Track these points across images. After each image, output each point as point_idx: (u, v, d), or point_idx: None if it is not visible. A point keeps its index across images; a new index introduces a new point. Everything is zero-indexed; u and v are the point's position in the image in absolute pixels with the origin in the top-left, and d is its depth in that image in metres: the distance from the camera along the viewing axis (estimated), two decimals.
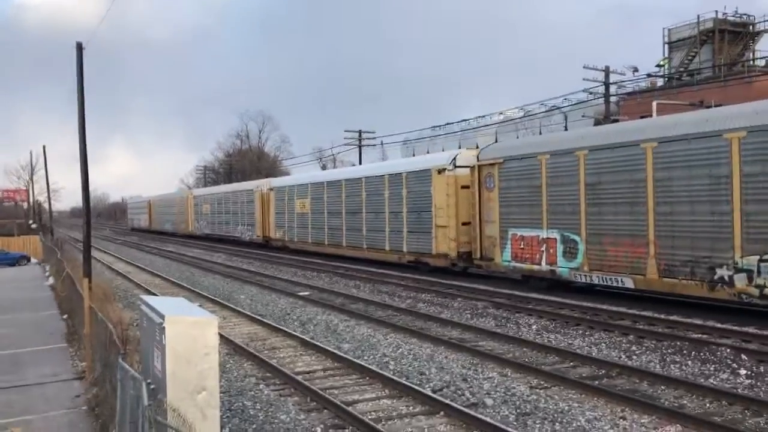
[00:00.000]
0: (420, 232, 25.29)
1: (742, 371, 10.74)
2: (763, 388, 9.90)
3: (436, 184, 24.19)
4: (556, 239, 18.48)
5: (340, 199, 31.82)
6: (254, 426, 8.78)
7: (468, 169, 22.68)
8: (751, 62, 43.12)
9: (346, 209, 31.19)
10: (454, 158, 23.89)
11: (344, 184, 31.63)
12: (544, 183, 18.96)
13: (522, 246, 19.79)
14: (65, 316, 17.73)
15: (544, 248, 18.91)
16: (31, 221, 63.80)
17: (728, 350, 11.75)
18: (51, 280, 27.59)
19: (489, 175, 21.15)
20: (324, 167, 78.57)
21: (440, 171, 23.98)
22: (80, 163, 14.72)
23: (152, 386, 6.26)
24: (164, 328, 6.05)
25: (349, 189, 31.19)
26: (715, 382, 10.26)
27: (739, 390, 9.80)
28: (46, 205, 68.31)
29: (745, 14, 44.70)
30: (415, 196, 25.68)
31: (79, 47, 14.79)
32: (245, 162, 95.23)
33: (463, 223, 23.02)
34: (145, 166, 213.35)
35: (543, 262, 18.98)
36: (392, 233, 27.23)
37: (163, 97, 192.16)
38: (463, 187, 23.03)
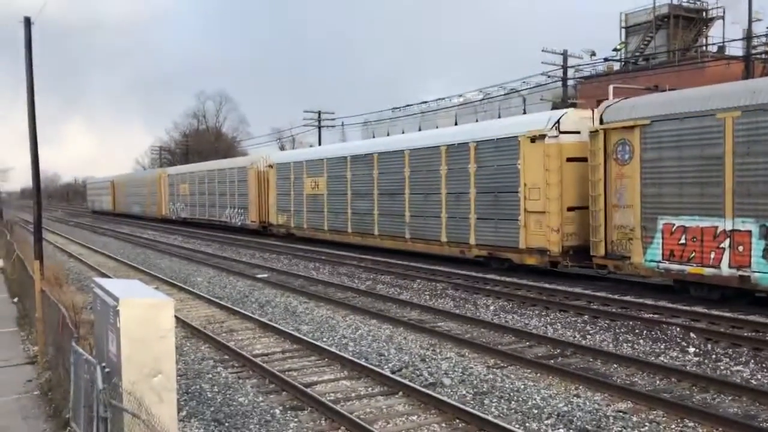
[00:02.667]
0: (498, 220, 19.66)
1: (691, 349, 11.08)
2: (710, 365, 10.24)
3: (528, 156, 18.45)
4: (750, 232, 13.28)
5: (371, 177, 25.91)
6: (212, 409, 8.73)
7: (574, 136, 17.72)
8: (704, 48, 44.08)
9: (379, 190, 25.40)
10: (558, 121, 17.98)
11: (377, 158, 25.57)
12: (729, 151, 13.53)
13: (682, 241, 14.54)
14: (16, 300, 17.29)
15: (726, 245, 13.70)
16: None
17: (678, 329, 12.10)
18: (0, 263, 26.84)
19: (622, 142, 15.73)
20: (282, 148, 77.92)
21: (534, 138, 18.20)
22: (29, 142, 14.29)
23: (107, 370, 6.16)
24: (118, 311, 5.94)
25: (384, 164, 25.21)
26: (665, 360, 10.57)
27: (687, 367, 10.12)
28: None
29: (698, 0, 45.62)
30: (490, 172, 19.98)
31: (27, 21, 14.29)
32: (202, 143, 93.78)
33: (569, 209, 17.75)
34: (102, 147, 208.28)
35: (724, 265, 13.75)
36: (452, 220, 21.59)
37: (120, 77, 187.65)
38: (570, 159, 17.72)
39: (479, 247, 20.58)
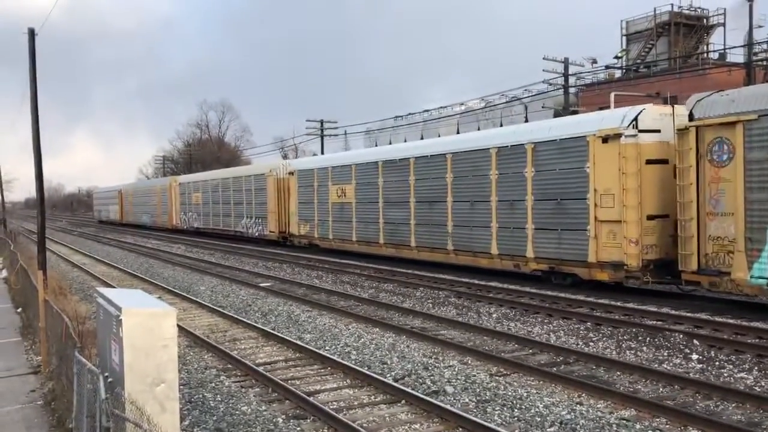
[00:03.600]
0: (561, 230, 17.64)
1: (694, 356, 11.06)
2: (713, 373, 10.21)
3: (599, 158, 16.56)
4: None
5: (407, 184, 23.77)
6: (215, 418, 8.73)
7: (654, 135, 15.93)
8: (705, 55, 44.16)
9: (416, 197, 23.26)
10: (636, 118, 16.02)
11: (414, 162, 23.39)
12: None
13: None
14: (19, 310, 17.31)
15: None
16: None
17: (681, 336, 12.08)
18: (4, 273, 26.89)
19: (718, 141, 13.86)
20: (285, 157, 78.11)
21: (606, 138, 16.34)
22: (33, 153, 14.37)
23: (110, 379, 6.18)
24: (121, 320, 5.96)
25: (422, 169, 23.02)
26: (668, 367, 10.55)
27: (691, 374, 10.10)
28: None
29: (699, 8, 45.77)
30: (551, 177, 18.00)
31: (32, 33, 14.39)
32: (205, 152, 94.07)
33: (649, 217, 15.92)
34: (106, 157, 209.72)
35: None
36: (504, 231, 19.36)
37: (125, 88, 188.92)
38: (650, 162, 15.94)
39: (537, 261, 18.50)
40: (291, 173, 33.04)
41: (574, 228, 17.32)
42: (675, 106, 16.30)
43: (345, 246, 28.24)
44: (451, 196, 21.58)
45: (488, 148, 20.15)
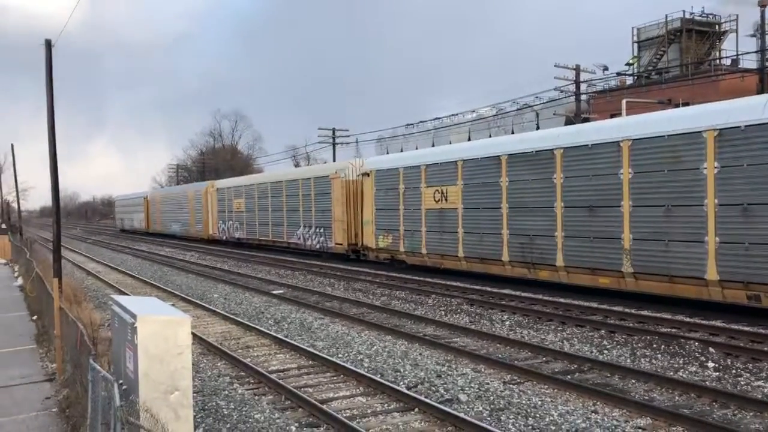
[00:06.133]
0: None
1: (710, 364, 10.96)
2: (730, 381, 10.11)
3: None
4: None
5: (550, 183, 18.18)
6: (228, 425, 8.74)
7: None
8: (717, 61, 43.95)
9: (566, 201, 17.78)
10: None
11: (561, 155, 17.82)
12: None
13: None
14: (35, 317, 17.44)
15: None
16: None
17: (697, 344, 11.98)
18: (20, 281, 27.10)
19: None
20: (297, 165, 78.34)
21: None
22: (50, 162, 14.48)
23: (124, 387, 6.21)
24: (136, 327, 6.00)
25: (576, 163, 17.49)
26: (684, 375, 10.45)
27: (707, 383, 10.00)
28: (15, 205, 67.07)
29: (711, 14, 45.56)
30: None
31: (48, 44, 14.53)
32: (218, 160, 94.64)
33: None
34: (122, 166, 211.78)
35: None
36: (727, 246, 13.95)
37: (142, 98, 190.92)
38: None
39: None
40: (365, 174, 27.47)
41: None
42: None
43: (445, 263, 22.90)
44: (628, 199, 16.10)
45: (698, 132, 14.53)
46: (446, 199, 22.52)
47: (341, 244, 29.83)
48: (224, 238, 45.02)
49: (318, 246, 32.17)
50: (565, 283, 18.21)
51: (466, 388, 9.97)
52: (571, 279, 17.94)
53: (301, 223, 33.94)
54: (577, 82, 36.99)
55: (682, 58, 43.28)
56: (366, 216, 27.49)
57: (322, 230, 31.79)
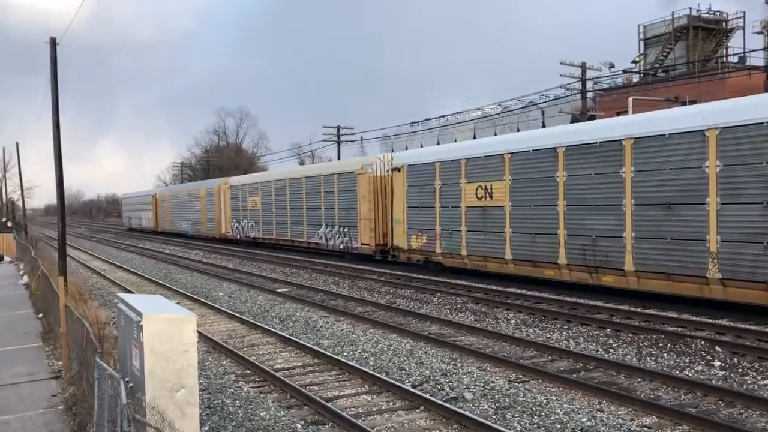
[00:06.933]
0: None
1: (717, 363, 10.92)
2: (736, 380, 10.07)
3: None
4: None
5: (617, 178, 16.29)
6: (234, 423, 8.75)
7: None
8: (724, 59, 43.78)
9: (636, 198, 15.86)
10: None
11: (631, 146, 15.97)
12: None
13: None
14: (40, 315, 17.50)
15: None
16: (4, 219, 62.77)
17: (703, 342, 11.93)
18: (25, 279, 27.20)
19: None
20: (302, 163, 78.39)
21: None
22: (54, 160, 14.54)
23: (130, 384, 6.22)
24: (142, 325, 6.01)
25: (648, 156, 15.63)
26: (690, 374, 10.42)
27: (713, 381, 9.96)
28: (20, 203, 67.26)
29: (718, 11, 45.39)
30: None
31: (53, 42, 14.58)
32: (223, 158, 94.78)
33: None
34: (127, 164, 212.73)
35: None
36: None
37: (147, 96, 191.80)
38: None
39: None
40: (396, 169, 25.55)
41: None
42: None
43: (488, 266, 21.03)
44: (715, 196, 14.20)
45: None
46: (491, 196, 20.61)
47: (368, 245, 28.12)
48: (238, 237, 43.65)
49: (342, 246, 30.43)
50: (635, 288, 16.27)
51: (472, 387, 9.96)
52: (642, 285, 16.09)
53: (323, 221, 32.16)
54: (583, 80, 36.89)
55: (689, 56, 43.12)
56: (396, 214, 25.60)
57: (346, 230, 30.00)
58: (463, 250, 21.90)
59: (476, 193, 21.23)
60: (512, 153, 19.76)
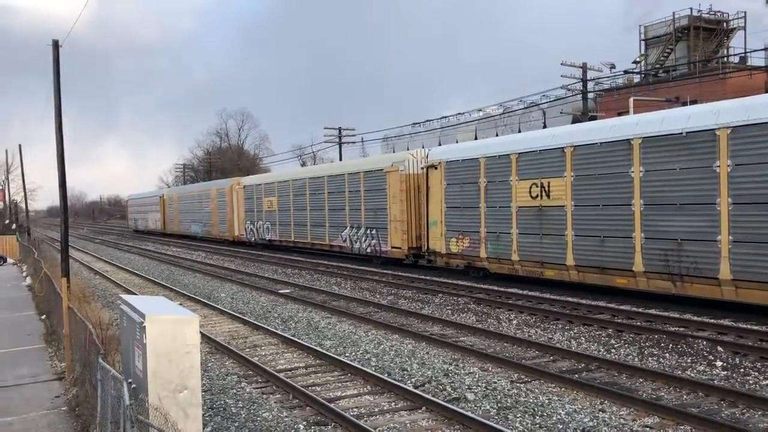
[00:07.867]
0: None
1: (718, 363, 10.92)
2: (738, 380, 10.08)
3: None
4: None
5: (710, 174, 14.30)
6: (237, 424, 8.77)
7: None
8: (725, 59, 43.75)
9: (734, 196, 13.88)
10: None
11: (727, 137, 13.92)
12: None
13: None
14: (43, 317, 17.53)
15: None
16: (7, 221, 62.83)
17: (705, 342, 11.94)
18: (28, 280, 27.25)
19: None
20: (304, 164, 78.39)
21: None
22: (57, 162, 14.58)
23: (133, 386, 6.24)
24: (145, 327, 6.03)
25: (747, 148, 13.66)
26: (692, 374, 10.42)
27: (715, 381, 9.97)
28: (22, 205, 67.33)
29: (718, 12, 45.36)
30: None
31: (56, 44, 14.62)
32: (225, 160, 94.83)
33: None
34: (130, 166, 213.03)
35: None
36: None
37: (150, 98, 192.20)
38: None
39: None
40: (432, 166, 23.28)
41: None
42: None
43: (546, 272, 18.72)
44: None
45: None
46: (548, 195, 18.40)
47: (399, 248, 25.86)
48: (252, 239, 41.31)
49: (369, 250, 28.12)
50: (732, 299, 14.15)
51: (474, 387, 9.97)
52: (740, 296, 13.98)
53: (348, 223, 29.82)
54: (584, 81, 36.86)
55: (690, 56, 43.10)
56: (433, 215, 23.25)
57: (374, 232, 27.70)
58: (513, 255, 19.66)
59: (530, 192, 19.03)
60: (575, 146, 17.55)
